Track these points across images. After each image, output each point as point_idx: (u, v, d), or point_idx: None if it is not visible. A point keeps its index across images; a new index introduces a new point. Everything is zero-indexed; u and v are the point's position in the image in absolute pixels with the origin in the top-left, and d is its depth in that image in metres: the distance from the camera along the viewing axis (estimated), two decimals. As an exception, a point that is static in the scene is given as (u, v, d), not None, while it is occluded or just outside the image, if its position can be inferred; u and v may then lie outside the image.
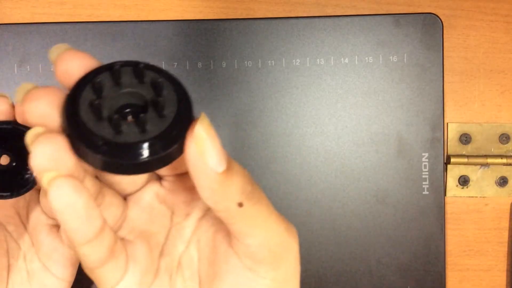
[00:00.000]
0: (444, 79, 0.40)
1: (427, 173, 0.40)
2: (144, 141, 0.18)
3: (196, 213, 0.25)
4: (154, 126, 0.18)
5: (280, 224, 0.22)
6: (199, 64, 0.40)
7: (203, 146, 0.19)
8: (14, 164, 0.29)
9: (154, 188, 0.25)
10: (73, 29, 0.40)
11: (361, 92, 0.40)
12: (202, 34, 0.40)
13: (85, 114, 0.17)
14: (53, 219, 0.34)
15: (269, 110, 0.40)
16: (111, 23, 0.40)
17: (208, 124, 0.19)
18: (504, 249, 0.42)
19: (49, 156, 0.18)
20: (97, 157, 0.17)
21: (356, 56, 0.40)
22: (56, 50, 0.20)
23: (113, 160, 0.17)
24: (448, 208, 0.42)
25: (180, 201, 0.25)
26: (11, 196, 0.29)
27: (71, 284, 0.36)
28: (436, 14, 0.40)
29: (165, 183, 0.25)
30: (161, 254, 0.24)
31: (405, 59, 0.40)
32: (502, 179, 0.41)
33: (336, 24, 0.40)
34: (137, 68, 0.20)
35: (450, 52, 0.41)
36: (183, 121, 0.19)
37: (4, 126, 0.28)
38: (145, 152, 0.18)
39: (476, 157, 0.41)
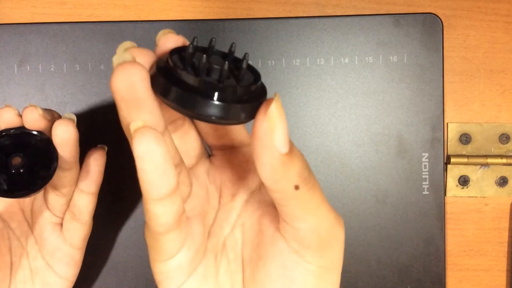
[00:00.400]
0: (444, 79, 0.40)
1: (427, 173, 0.40)
2: (223, 88, 0.19)
3: (242, 196, 0.25)
4: (234, 84, 0.20)
5: (330, 212, 0.23)
6: (199, 64, 0.40)
7: (274, 124, 0.19)
8: (25, 164, 0.31)
9: (205, 165, 0.26)
10: (73, 29, 0.40)
11: (361, 92, 0.40)
12: (202, 34, 0.40)
13: (177, 62, 0.19)
14: (58, 216, 0.34)
15: (269, 110, 0.40)
16: (111, 23, 0.40)
17: (281, 105, 0.19)
18: (504, 249, 0.42)
19: (129, 86, 0.19)
20: (180, 92, 0.19)
21: (356, 56, 0.40)
22: (161, 33, 0.21)
23: (193, 95, 0.19)
24: (448, 208, 0.42)
25: (227, 178, 0.25)
26: (25, 195, 0.30)
27: (73, 283, 0.36)
28: (436, 14, 0.40)
29: (213, 159, 0.26)
30: (209, 235, 0.25)
31: (405, 59, 0.40)
32: (502, 179, 0.41)
33: (336, 24, 0.40)
34: (226, 53, 0.21)
35: (450, 52, 0.41)
36: (259, 94, 0.20)
37: (14, 131, 0.30)
38: (223, 97, 0.19)
39: (476, 157, 0.41)
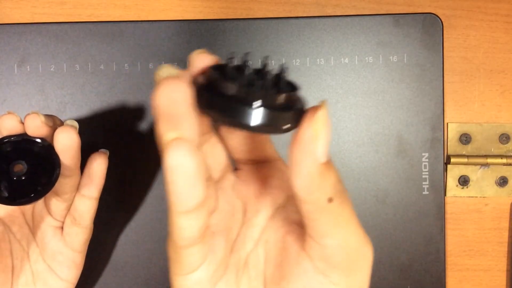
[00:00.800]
0: (444, 79, 0.40)
1: (427, 173, 0.40)
2: (268, 97, 0.19)
3: (266, 211, 0.25)
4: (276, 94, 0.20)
5: (359, 229, 0.22)
6: (199, 64, 0.40)
7: (319, 131, 0.19)
8: (27, 172, 0.31)
9: (231, 179, 0.25)
10: (73, 29, 0.40)
11: (361, 92, 0.40)
12: (202, 34, 0.40)
13: (220, 76, 0.20)
14: (59, 221, 0.34)
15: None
16: (111, 23, 0.40)
17: (327, 114, 0.19)
18: (504, 249, 0.42)
19: (172, 100, 0.19)
20: (223, 100, 0.19)
21: (356, 56, 0.40)
22: (195, 53, 0.21)
23: (237, 105, 0.19)
24: (448, 208, 0.42)
25: (252, 193, 0.25)
26: (26, 202, 0.30)
27: (74, 285, 0.36)
28: (436, 14, 0.40)
29: (239, 173, 0.25)
30: (231, 250, 0.24)
31: (405, 59, 0.40)
32: (502, 179, 0.41)
33: (336, 24, 0.40)
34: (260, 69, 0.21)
35: (450, 52, 0.41)
36: (300, 104, 0.20)
37: (15, 138, 0.30)
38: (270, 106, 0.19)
39: (476, 157, 0.41)
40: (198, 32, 0.40)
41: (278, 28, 0.40)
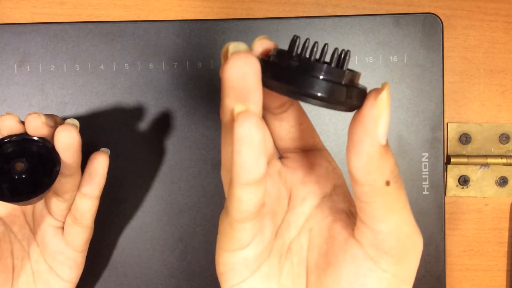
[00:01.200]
0: (444, 79, 0.40)
1: (427, 173, 0.40)
2: (334, 71, 0.20)
3: (312, 200, 0.25)
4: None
5: (412, 217, 0.22)
6: (199, 64, 0.40)
7: (382, 112, 0.19)
8: (27, 170, 0.31)
9: (277, 166, 0.25)
10: (73, 29, 0.40)
11: (361, 92, 0.40)
12: (202, 34, 0.40)
13: (287, 52, 0.21)
14: (59, 220, 0.34)
15: (269, 110, 0.40)
16: (111, 23, 0.40)
17: (389, 96, 0.20)
18: (504, 249, 0.42)
19: (243, 73, 0.19)
20: (289, 70, 0.20)
21: (356, 56, 0.40)
22: (257, 38, 0.22)
23: (303, 77, 0.20)
24: (448, 208, 0.42)
25: (298, 180, 0.25)
26: (27, 200, 0.30)
27: (75, 285, 0.36)
28: (436, 14, 0.40)
29: (285, 161, 0.26)
30: (276, 236, 0.25)
31: (405, 59, 0.40)
32: (502, 179, 0.41)
33: (336, 24, 0.40)
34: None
35: (450, 52, 0.41)
36: (362, 86, 0.21)
37: (16, 138, 0.31)
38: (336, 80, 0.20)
39: (476, 157, 0.41)
40: (198, 32, 0.40)
41: (278, 28, 0.40)
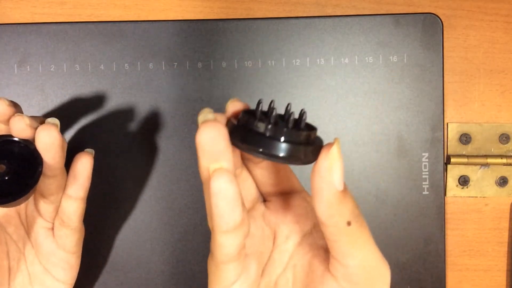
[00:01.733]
0: (444, 79, 0.40)
1: (427, 173, 0.40)
2: (291, 134, 0.23)
3: (294, 238, 0.28)
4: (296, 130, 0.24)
5: (377, 250, 0.25)
6: (199, 64, 0.40)
7: (334, 163, 0.22)
8: (10, 172, 0.31)
9: (261, 209, 0.28)
10: (73, 29, 0.40)
11: (361, 92, 0.40)
12: (202, 34, 0.40)
13: (252, 117, 0.24)
14: (50, 222, 0.34)
15: (269, 110, 0.40)
16: (111, 23, 0.40)
17: (340, 149, 0.23)
18: (504, 249, 0.42)
19: (212, 138, 0.22)
20: (255, 138, 0.23)
21: (356, 56, 0.40)
22: (229, 101, 0.26)
23: (266, 140, 0.23)
24: (448, 208, 0.42)
25: (280, 221, 0.28)
26: (10, 202, 0.30)
27: (72, 286, 0.36)
28: (436, 14, 0.40)
29: (268, 204, 0.28)
30: (263, 273, 0.27)
31: (405, 59, 0.40)
32: (502, 179, 0.41)
33: (336, 24, 0.40)
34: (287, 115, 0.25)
35: (450, 52, 0.41)
36: (318, 141, 0.25)
37: None
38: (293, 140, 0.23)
39: (476, 157, 0.41)
40: (198, 32, 0.40)
41: (278, 28, 0.40)
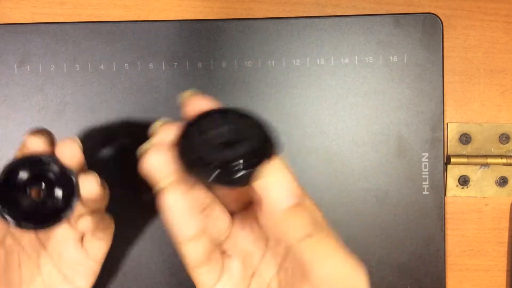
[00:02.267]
0: (444, 79, 0.40)
1: (427, 173, 0.40)
2: (226, 165, 0.24)
3: (285, 241, 0.27)
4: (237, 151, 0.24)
5: (348, 257, 0.24)
6: (199, 64, 0.40)
7: (269, 185, 0.23)
8: (45, 196, 0.30)
9: (254, 210, 0.28)
10: (73, 29, 0.40)
11: (361, 92, 0.40)
12: (202, 34, 0.40)
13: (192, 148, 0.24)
14: (79, 232, 0.34)
15: (269, 110, 0.40)
16: (111, 23, 0.40)
17: (282, 163, 0.23)
18: (504, 249, 0.42)
19: (161, 162, 0.24)
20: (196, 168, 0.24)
21: (356, 56, 0.40)
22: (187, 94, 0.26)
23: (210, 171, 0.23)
24: (448, 208, 0.42)
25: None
26: (42, 228, 0.29)
27: None
28: (436, 14, 0.40)
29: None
30: (254, 274, 0.27)
31: (405, 59, 0.40)
32: (502, 179, 0.41)
33: (336, 24, 0.40)
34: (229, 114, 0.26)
35: (450, 52, 0.41)
36: (263, 155, 0.24)
37: (32, 159, 0.29)
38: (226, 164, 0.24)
39: (476, 157, 0.41)
40: (198, 32, 0.40)
41: (278, 28, 0.40)
